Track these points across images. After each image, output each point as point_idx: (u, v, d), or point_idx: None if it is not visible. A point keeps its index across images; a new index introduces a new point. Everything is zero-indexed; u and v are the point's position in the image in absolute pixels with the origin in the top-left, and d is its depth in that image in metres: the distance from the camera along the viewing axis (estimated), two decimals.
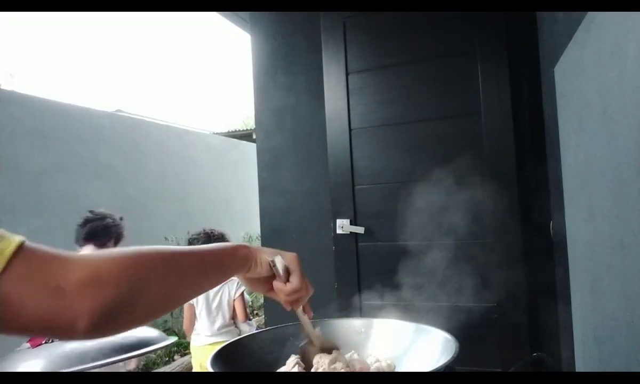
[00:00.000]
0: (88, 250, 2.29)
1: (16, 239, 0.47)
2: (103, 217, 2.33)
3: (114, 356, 0.73)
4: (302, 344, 0.90)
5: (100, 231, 2.28)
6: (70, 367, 0.67)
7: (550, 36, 1.55)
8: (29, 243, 0.49)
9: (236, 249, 0.71)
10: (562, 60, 1.23)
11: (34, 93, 4.95)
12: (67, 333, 0.48)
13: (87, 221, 2.30)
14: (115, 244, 2.37)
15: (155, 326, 4.58)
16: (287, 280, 0.77)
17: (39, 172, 3.93)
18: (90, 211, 2.37)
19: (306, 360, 0.88)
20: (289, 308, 0.80)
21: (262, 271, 0.74)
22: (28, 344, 0.75)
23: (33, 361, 0.69)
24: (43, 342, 0.75)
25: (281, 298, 0.78)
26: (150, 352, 0.78)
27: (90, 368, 0.74)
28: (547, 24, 1.62)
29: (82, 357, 0.69)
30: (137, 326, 0.55)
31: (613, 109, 0.77)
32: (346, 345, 0.98)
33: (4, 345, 0.80)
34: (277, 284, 0.77)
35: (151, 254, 0.56)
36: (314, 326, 0.89)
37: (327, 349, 0.89)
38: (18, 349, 0.77)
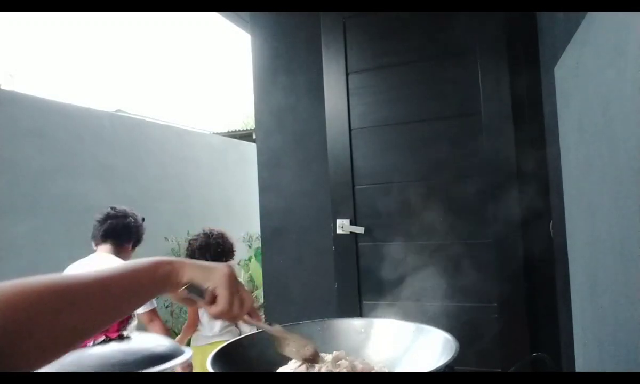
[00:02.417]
0: (104, 249, 2.18)
1: None
2: (125, 215, 2.20)
3: (125, 370, 0.71)
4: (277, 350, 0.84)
5: (121, 229, 2.15)
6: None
7: (550, 36, 1.54)
8: None
9: (156, 267, 0.64)
10: (562, 60, 1.23)
11: (34, 93, 4.94)
12: None
13: (107, 218, 2.16)
14: (134, 247, 2.25)
15: None
16: (214, 301, 0.70)
17: (39, 172, 3.92)
18: (112, 208, 2.23)
19: (285, 356, 0.85)
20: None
21: (184, 292, 0.68)
22: None
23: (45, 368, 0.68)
24: None
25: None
26: (166, 370, 0.75)
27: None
28: (547, 24, 1.62)
29: (95, 369, 0.68)
30: (32, 369, 0.48)
31: (613, 109, 0.77)
32: (346, 345, 0.99)
33: None
34: (205, 305, 0.71)
35: (39, 286, 0.48)
36: (270, 324, 0.84)
37: (297, 343, 0.83)
38: None
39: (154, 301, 2.41)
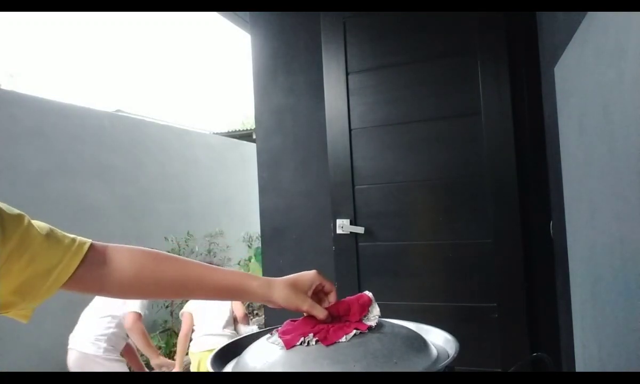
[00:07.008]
0: None
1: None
2: None
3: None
4: None
5: None
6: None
7: (550, 36, 1.55)
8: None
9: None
10: (562, 60, 1.23)
11: (34, 93, 4.94)
12: None
13: None
14: None
15: (156, 326, 4.58)
16: None
17: (39, 172, 3.92)
18: None
19: None
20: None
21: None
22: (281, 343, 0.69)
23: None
24: (297, 343, 0.69)
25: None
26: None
27: None
28: (547, 24, 1.62)
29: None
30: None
31: (613, 109, 0.77)
32: None
33: None
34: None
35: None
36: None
37: None
38: (271, 341, 0.71)
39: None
